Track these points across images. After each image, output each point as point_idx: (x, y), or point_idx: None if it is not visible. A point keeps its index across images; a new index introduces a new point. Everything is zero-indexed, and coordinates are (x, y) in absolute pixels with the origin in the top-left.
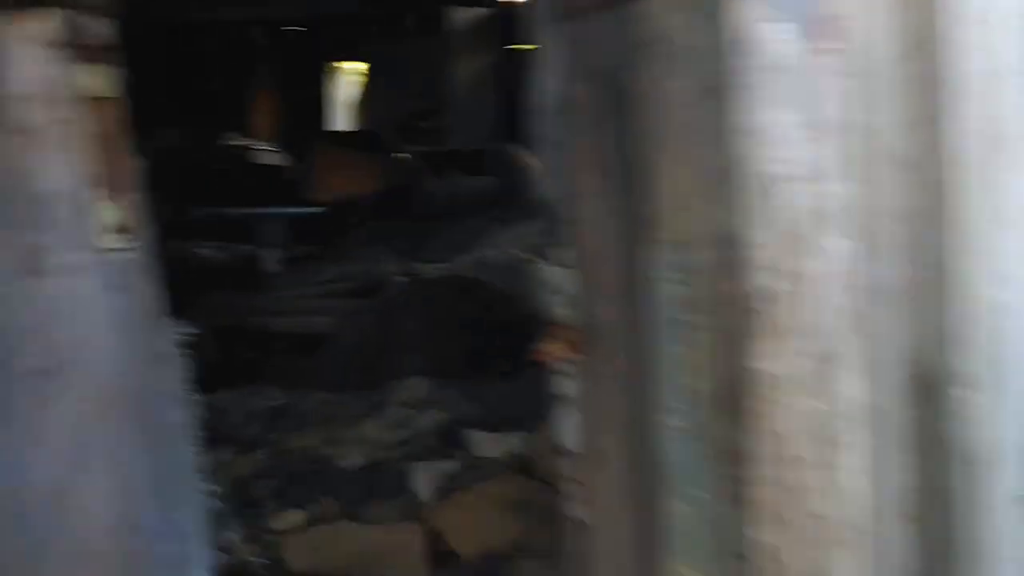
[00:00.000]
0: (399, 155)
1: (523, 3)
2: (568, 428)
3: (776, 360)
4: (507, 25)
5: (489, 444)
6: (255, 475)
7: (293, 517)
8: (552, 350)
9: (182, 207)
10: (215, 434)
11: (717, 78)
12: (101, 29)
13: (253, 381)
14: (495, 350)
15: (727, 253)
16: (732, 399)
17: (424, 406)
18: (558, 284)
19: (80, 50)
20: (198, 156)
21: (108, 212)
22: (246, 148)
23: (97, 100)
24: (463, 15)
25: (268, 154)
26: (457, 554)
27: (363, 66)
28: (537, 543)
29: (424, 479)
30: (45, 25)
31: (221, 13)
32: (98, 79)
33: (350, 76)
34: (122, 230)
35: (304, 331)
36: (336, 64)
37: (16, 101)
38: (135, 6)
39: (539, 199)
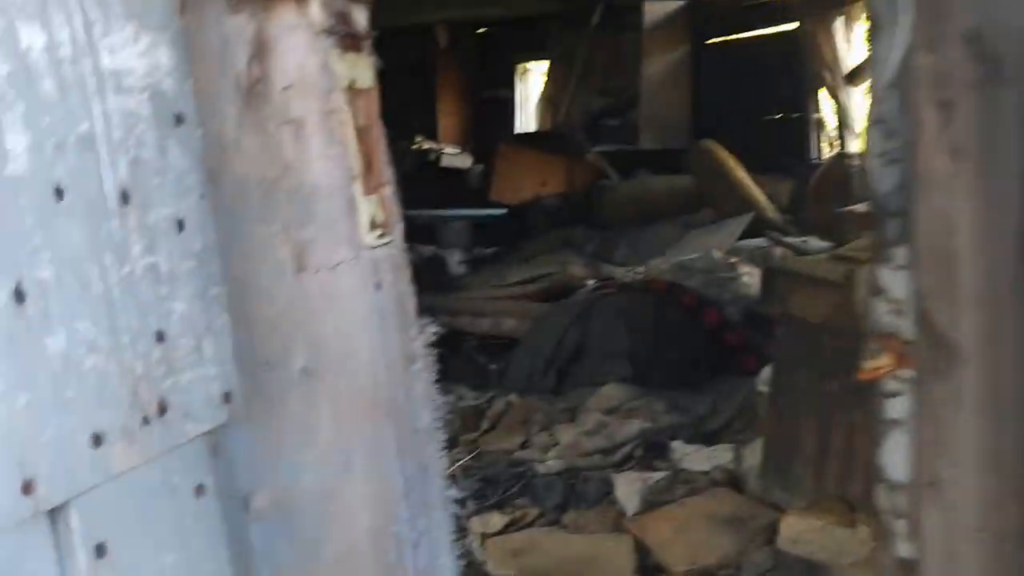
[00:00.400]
0: (587, 155)
1: None
2: (894, 455)
3: None
4: (701, 19)
5: (694, 457)
6: (453, 476)
7: (493, 520)
8: (881, 365)
9: None
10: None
11: None
12: (360, 16)
13: (444, 380)
14: (696, 358)
15: None
16: None
17: (624, 414)
18: (889, 289)
19: (341, 38)
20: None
21: (368, 207)
22: (432, 150)
23: (357, 91)
24: (655, 9)
25: (454, 156)
26: (665, 569)
27: (550, 65)
28: (747, 562)
29: (628, 489)
30: (308, 12)
31: (406, 15)
32: (358, 69)
33: (537, 75)
34: (379, 226)
35: (493, 332)
36: (523, 64)
37: (282, 92)
38: None
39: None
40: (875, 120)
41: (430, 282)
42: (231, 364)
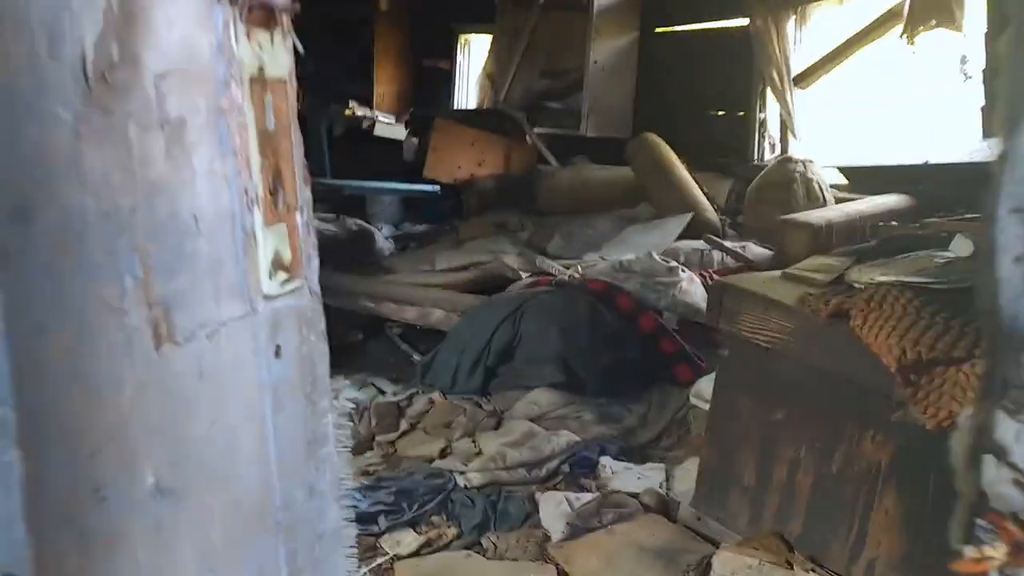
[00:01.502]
0: (526, 137)
1: None
2: None
3: None
4: (652, 6)
5: (624, 476)
6: (366, 486)
7: (407, 539)
8: (990, 556)
9: None
10: None
11: None
12: None
13: (361, 370)
14: (630, 365)
15: None
16: None
17: (552, 423)
18: (1011, 449)
19: (249, 9)
20: (314, 123)
21: (271, 241)
22: (366, 118)
23: (267, 82)
24: None
25: (388, 126)
26: None
27: (494, 39)
28: None
29: (553, 511)
30: None
31: None
32: (270, 52)
33: (481, 48)
34: (285, 267)
35: (420, 322)
36: (466, 34)
37: (153, 82)
38: None
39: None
40: (1013, 207)
41: (356, 259)
42: (18, 525)
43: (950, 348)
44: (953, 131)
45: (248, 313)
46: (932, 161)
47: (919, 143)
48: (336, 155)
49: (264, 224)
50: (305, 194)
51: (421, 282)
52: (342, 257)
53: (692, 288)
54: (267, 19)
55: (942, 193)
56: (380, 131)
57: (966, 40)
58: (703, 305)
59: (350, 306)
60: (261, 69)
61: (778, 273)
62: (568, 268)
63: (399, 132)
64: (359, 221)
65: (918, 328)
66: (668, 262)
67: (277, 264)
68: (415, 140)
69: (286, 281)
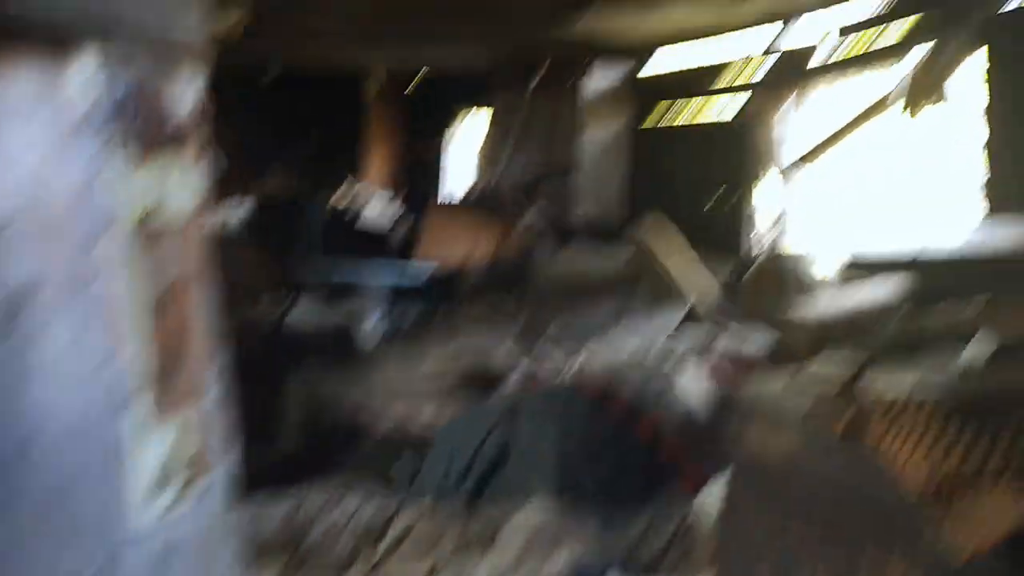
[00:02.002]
0: (521, 220)
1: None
2: None
3: None
4: (648, 91)
5: None
6: None
7: None
8: None
9: (280, 260)
10: (298, 548)
11: None
12: (183, 91)
13: (341, 480)
14: (631, 473)
15: None
16: None
17: (549, 540)
18: None
19: (138, 132)
20: (302, 206)
21: (163, 443)
22: (356, 200)
23: (162, 226)
24: (603, 74)
25: (382, 208)
26: None
27: (490, 120)
28: None
29: None
30: (60, 81)
31: (340, 55)
32: (169, 184)
33: (476, 128)
34: (180, 474)
35: (406, 425)
36: (461, 115)
37: None
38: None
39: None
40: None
41: (339, 354)
42: None
43: (982, 463)
44: (952, 211)
45: (118, 553)
46: (931, 247)
47: (917, 226)
48: (326, 238)
49: (149, 422)
50: (216, 368)
51: (408, 379)
52: (324, 350)
53: (694, 386)
54: (165, 140)
55: (943, 281)
56: (372, 213)
57: (961, 118)
58: (706, 405)
59: (331, 405)
60: (156, 207)
61: (788, 376)
62: (565, 363)
63: (389, 217)
64: (345, 308)
65: (944, 442)
66: (668, 357)
67: (167, 474)
68: (408, 222)
69: (182, 491)
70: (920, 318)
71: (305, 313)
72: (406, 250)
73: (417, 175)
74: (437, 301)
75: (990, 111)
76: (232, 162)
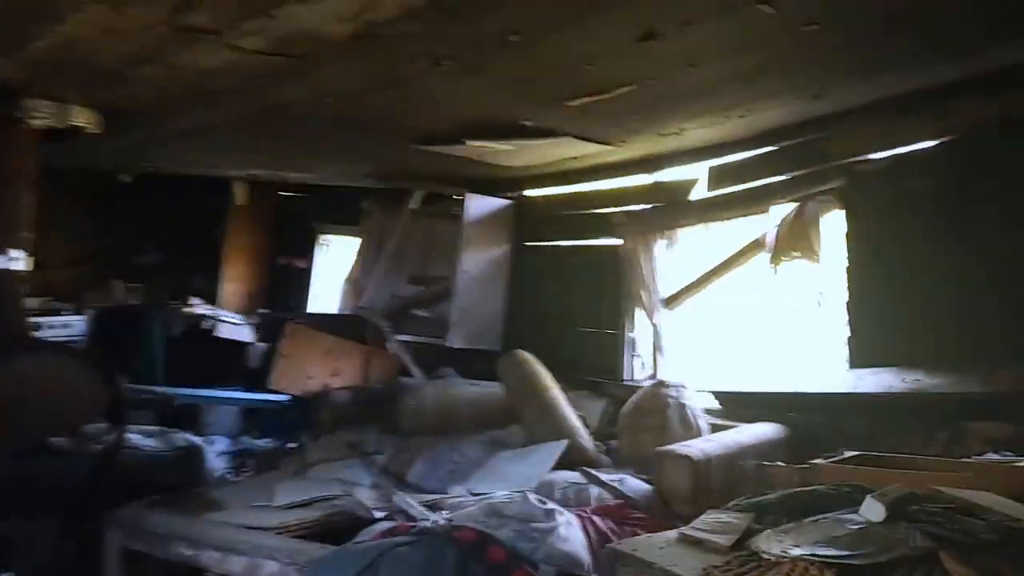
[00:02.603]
0: (388, 346)
1: (534, 199)
2: None
3: None
4: (524, 220)
5: None
6: None
7: None
8: None
9: (119, 375)
10: None
11: None
12: None
13: None
14: None
15: None
16: None
17: None
18: None
19: None
20: (149, 317)
21: None
22: (208, 317)
23: None
24: (478, 203)
25: (234, 327)
26: None
27: (360, 242)
28: None
29: None
30: None
31: (202, 168)
32: None
33: (342, 249)
34: None
35: None
36: (327, 234)
37: None
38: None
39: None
40: None
41: (178, 485)
42: None
43: None
44: (821, 357)
45: None
46: (802, 390)
47: (789, 369)
48: (172, 358)
49: None
50: None
51: (254, 524)
52: (163, 483)
53: (571, 534)
54: None
55: (813, 421)
56: (224, 332)
57: (824, 272)
58: (584, 555)
59: (162, 553)
60: None
61: (674, 535)
62: (432, 508)
63: (246, 334)
64: (188, 436)
65: None
66: (544, 503)
67: None
68: (263, 344)
69: None
70: (807, 473)
71: (144, 437)
72: (261, 372)
73: (278, 294)
74: (292, 430)
75: (850, 272)
76: (77, 266)
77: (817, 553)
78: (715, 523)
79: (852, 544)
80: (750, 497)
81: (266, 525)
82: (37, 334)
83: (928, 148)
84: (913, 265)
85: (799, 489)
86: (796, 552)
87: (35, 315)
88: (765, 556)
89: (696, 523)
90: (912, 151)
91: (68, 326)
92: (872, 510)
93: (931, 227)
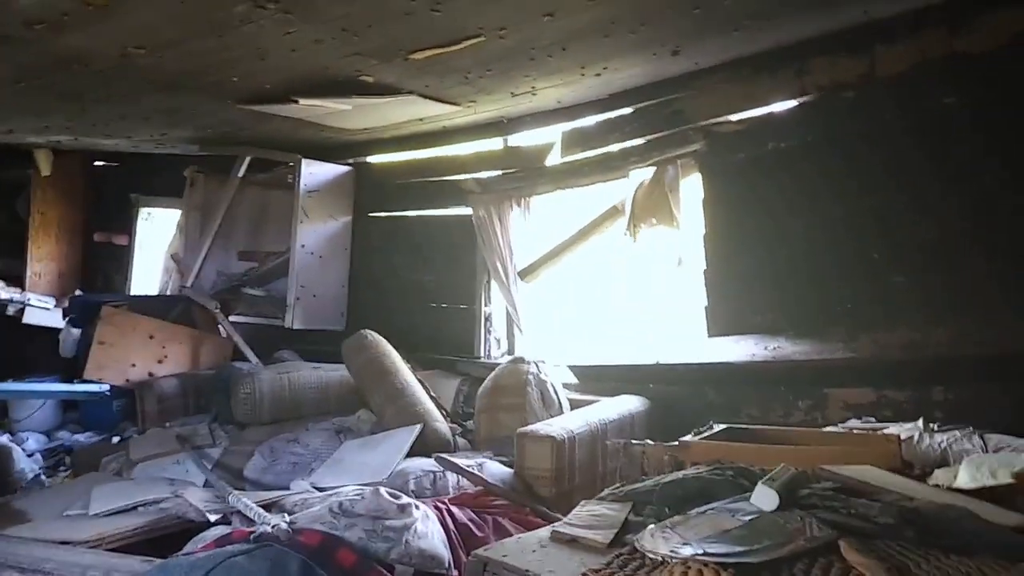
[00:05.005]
0: (221, 329)
1: (377, 165)
2: None
3: None
4: (367, 188)
5: None
6: None
7: None
8: None
9: None
10: None
11: None
12: None
13: None
14: None
15: None
16: None
17: None
18: None
19: None
20: None
21: None
22: (14, 301)
23: None
24: (315, 170)
25: (44, 312)
26: None
27: (183, 215)
28: None
29: None
30: None
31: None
32: None
33: (164, 222)
34: None
35: None
36: (148, 207)
37: None
38: None
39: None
40: None
41: None
42: None
43: None
44: (682, 327)
45: None
46: (663, 361)
47: (649, 340)
48: None
49: None
50: None
51: (65, 537)
52: None
53: (429, 529)
54: None
55: (676, 393)
56: (32, 318)
57: (683, 237)
58: (443, 552)
59: None
60: None
61: (545, 533)
62: (272, 508)
63: (57, 319)
64: None
65: None
66: (398, 497)
67: None
68: (77, 330)
69: None
70: (677, 450)
71: None
72: (78, 361)
73: (96, 274)
74: (116, 423)
75: (707, 237)
76: None
77: (710, 552)
78: (590, 517)
79: (746, 539)
80: (625, 485)
81: (80, 538)
82: None
83: (787, 108)
84: (772, 230)
85: (679, 475)
86: (687, 552)
87: None
88: (651, 556)
89: (569, 518)
90: (770, 112)
91: None
92: (764, 498)
93: (789, 190)
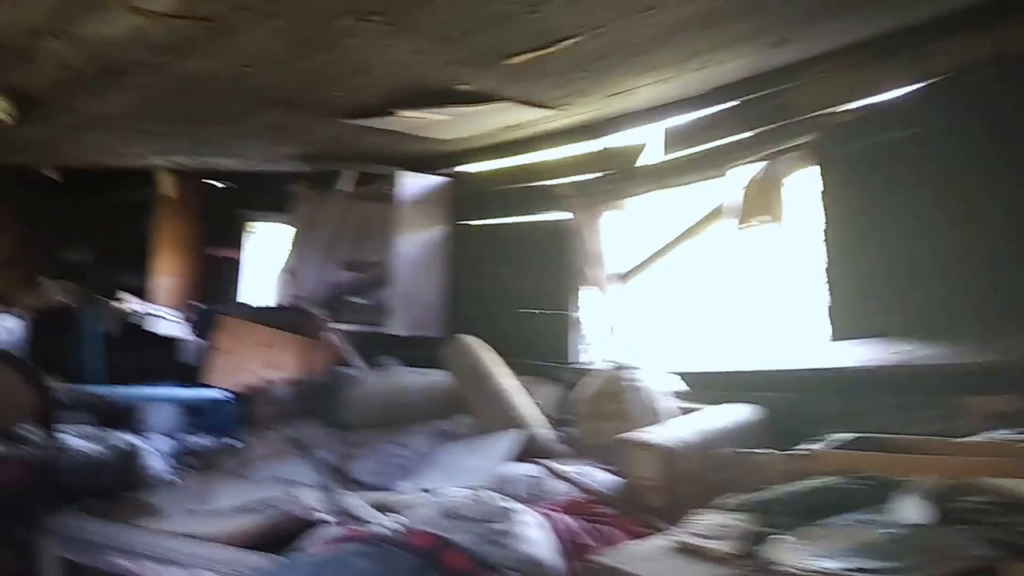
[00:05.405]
0: (328, 337)
1: (472, 174)
2: None
3: None
4: (463, 197)
5: None
6: None
7: None
8: None
9: (50, 378)
10: None
11: None
12: None
13: None
14: None
15: None
16: None
17: None
18: None
19: None
20: (79, 317)
21: None
22: (140, 313)
23: None
24: (412, 181)
25: (167, 324)
26: None
27: (294, 230)
28: None
29: None
30: None
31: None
32: None
33: (275, 237)
34: None
35: None
36: (259, 223)
37: None
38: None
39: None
40: None
41: (116, 488)
42: None
43: None
44: (797, 330)
45: None
46: (777, 366)
47: (760, 344)
48: (107, 357)
49: None
50: None
51: (192, 531)
52: (100, 485)
53: (537, 536)
54: None
55: (790, 400)
56: (157, 328)
57: (796, 237)
58: (553, 559)
59: (99, 563)
60: None
61: (664, 542)
62: (381, 509)
63: (180, 330)
64: (126, 437)
65: None
66: (503, 500)
67: None
68: (198, 340)
69: None
70: (801, 460)
71: (80, 439)
72: (197, 368)
73: (210, 287)
74: (233, 427)
75: (827, 234)
76: (3, 265)
77: (853, 567)
78: (711, 526)
79: (893, 554)
80: (748, 494)
81: (205, 532)
82: None
83: (908, 94)
84: (897, 224)
85: (808, 483)
86: (827, 565)
87: None
88: (784, 570)
89: (690, 527)
90: (889, 99)
91: (3, 328)
92: (912, 510)
93: (915, 181)
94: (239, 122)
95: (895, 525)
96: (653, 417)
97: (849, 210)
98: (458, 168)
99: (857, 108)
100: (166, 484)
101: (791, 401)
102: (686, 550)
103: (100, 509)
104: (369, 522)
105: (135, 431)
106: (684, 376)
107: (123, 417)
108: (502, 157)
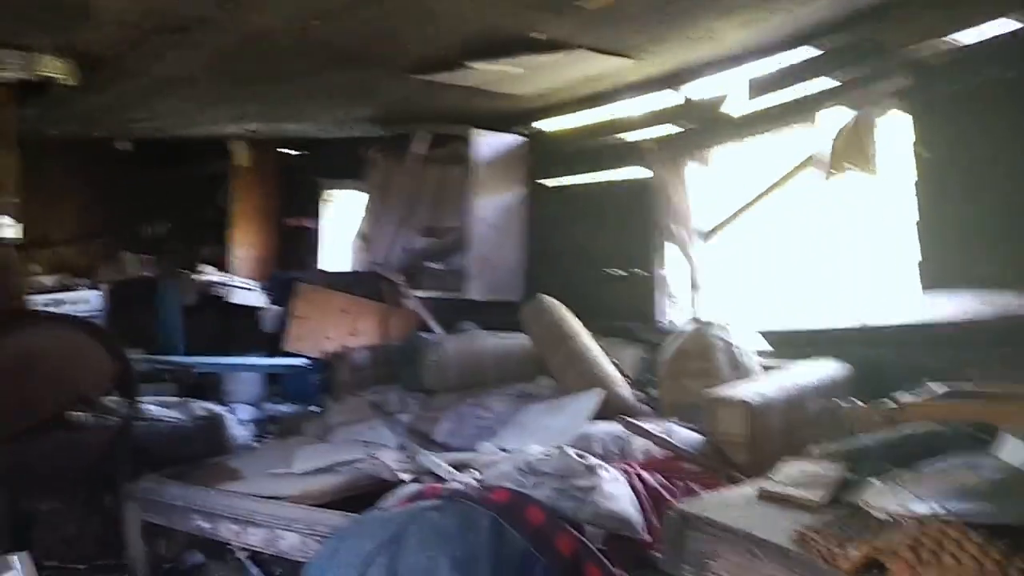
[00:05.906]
0: (406, 302)
1: (549, 133)
2: None
3: None
4: (540, 157)
5: None
6: None
7: None
8: None
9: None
10: None
11: None
12: None
13: None
14: None
15: None
16: None
17: None
18: None
19: None
20: (161, 288)
21: None
22: (220, 284)
23: None
24: (488, 142)
25: (247, 293)
26: None
27: (368, 196)
28: None
29: None
30: None
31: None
32: None
33: (351, 205)
34: None
35: (267, 549)
36: (334, 190)
37: None
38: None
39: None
40: None
41: (202, 456)
42: None
43: None
44: (887, 283)
45: None
46: (868, 322)
47: (843, 300)
48: (188, 327)
49: None
50: None
51: (272, 493)
52: (184, 453)
53: (617, 491)
54: None
55: (880, 356)
56: (236, 298)
57: (886, 185)
58: (634, 514)
59: (181, 525)
60: None
61: (749, 491)
62: (461, 468)
63: (259, 299)
64: (208, 405)
65: None
66: (584, 458)
67: None
68: (277, 308)
69: None
70: (894, 413)
71: (164, 408)
72: (277, 337)
73: (289, 256)
74: (314, 393)
75: (919, 182)
76: (84, 240)
77: (953, 509)
78: (800, 475)
79: (998, 497)
80: (839, 441)
81: (285, 494)
82: (55, 310)
83: (1005, 34)
84: (996, 170)
85: (902, 429)
86: (922, 509)
87: (51, 292)
88: (877, 514)
89: (776, 475)
90: (986, 39)
91: (85, 301)
92: (1016, 452)
93: (1012, 126)
94: (308, 82)
95: (995, 469)
96: (739, 374)
97: (943, 156)
98: (534, 125)
99: (951, 50)
100: (247, 449)
101: (879, 357)
102: (771, 497)
103: (182, 475)
104: (447, 480)
105: (217, 400)
106: (770, 334)
107: (207, 386)
108: (579, 111)
